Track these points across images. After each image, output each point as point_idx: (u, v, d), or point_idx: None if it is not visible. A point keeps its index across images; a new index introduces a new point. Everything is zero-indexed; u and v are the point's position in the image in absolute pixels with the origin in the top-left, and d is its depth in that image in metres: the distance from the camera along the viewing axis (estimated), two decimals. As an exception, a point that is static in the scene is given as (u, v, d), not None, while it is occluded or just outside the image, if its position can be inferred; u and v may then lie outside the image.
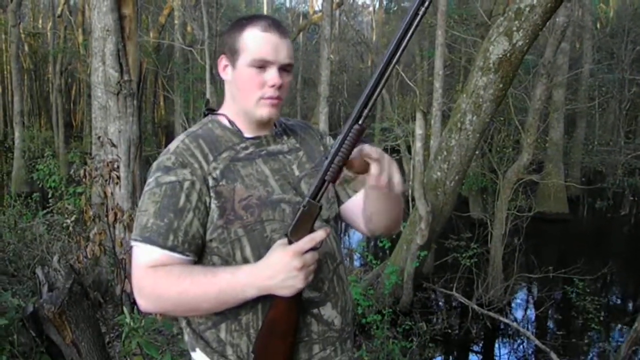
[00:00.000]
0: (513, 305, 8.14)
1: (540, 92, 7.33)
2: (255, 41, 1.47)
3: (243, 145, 1.51)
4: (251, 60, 1.46)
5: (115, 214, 4.24)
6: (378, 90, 1.31)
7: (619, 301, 9.22)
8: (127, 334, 3.47)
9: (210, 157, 1.45)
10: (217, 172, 1.43)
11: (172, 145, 1.47)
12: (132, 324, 3.42)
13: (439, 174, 6.57)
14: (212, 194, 1.41)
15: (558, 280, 8.40)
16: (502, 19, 5.97)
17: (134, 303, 5.39)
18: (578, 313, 7.66)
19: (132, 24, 6.01)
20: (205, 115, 1.62)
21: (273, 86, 1.47)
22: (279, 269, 1.34)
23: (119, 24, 5.82)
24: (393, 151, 13.25)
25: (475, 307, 7.08)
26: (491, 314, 6.98)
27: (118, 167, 4.48)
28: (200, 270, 1.38)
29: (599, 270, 8.43)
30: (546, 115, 13.05)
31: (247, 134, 1.54)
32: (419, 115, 6.25)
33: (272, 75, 1.47)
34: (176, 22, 18.31)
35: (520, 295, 8.66)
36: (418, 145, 6.34)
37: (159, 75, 20.55)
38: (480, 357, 7.18)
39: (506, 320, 7.02)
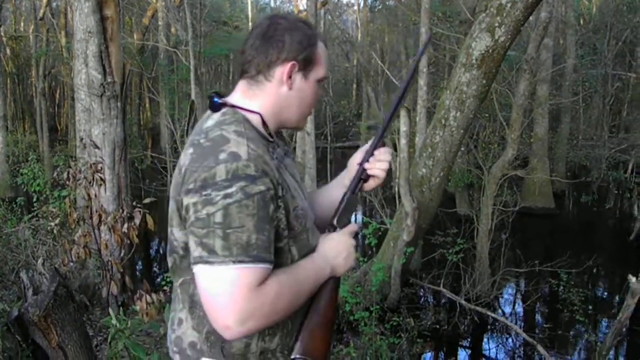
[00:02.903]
0: (500, 299, 8.18)
1: (523, 88, 7.38)
2: (324, 57, 1.49)
3: (272, 149, 1.44)
4: (322, 76, 1.49)
5: (100, 216, 4.23)
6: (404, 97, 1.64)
7: (604, 293, 9.31)
8: (114, 335, 3.46)
9: (272, 165, 1.38)
10: (280, 180, 1.37)
11: (240, 150, 1.31)
12: (118, 325, 3.42)
13: (424, 170, 6.60)
14: (280, 204, 1.36)
15: (544, 274, 8.46)
16: (484, 15, 6.00)
17: (121, 305, 5.38)
18: (564, 306, 7.72)
19: (114, 26, 5.99)
20: (216, 105, 1.46)
21: (318, 100, 1.54)
22: (341, 248, 1.52)
23: (101, 25, 5.80)
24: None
25: (463, 302, 7.12)
26: (479, 308, 7.01)
27: (102, 169, 4.46)
28: (295, 270, 1.40)
29: (585, 264, 8.50)
30: (531, 110, 13.13)
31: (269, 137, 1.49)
32: (402, 113, 6.28)
33: (322, 92, 1.52)
34: (160, 23, 18.25)
35: (508, 290, 8.70)
36: (403, 142, 6.37)
37: (143, 77, 20.46)
38: (469, 351, 7.22)
39: (494, 315, 7.07)
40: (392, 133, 8.99)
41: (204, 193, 1.26)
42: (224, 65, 27.16)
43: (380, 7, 22.84)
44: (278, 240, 1.36)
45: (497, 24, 5.81)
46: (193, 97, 11.33)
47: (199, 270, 1.28)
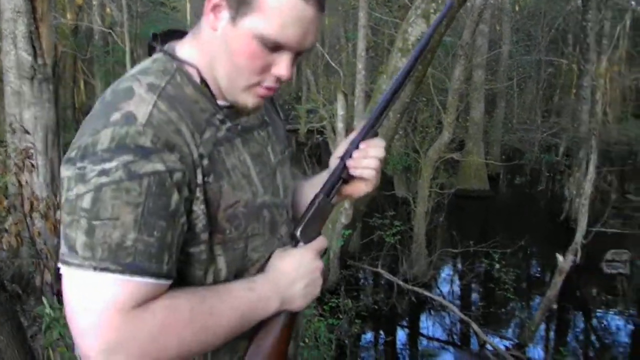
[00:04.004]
0: (437, 279, 8.41)
1: (458, 73, 7.55)
2: (284, 11, 0.96)
3: (220, 117, 1.04)
4: (264, 36, 0.97)
5: (32, 204, 4.13)
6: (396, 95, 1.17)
7: (535, 272, 9.69)
8: (48, 325, 3.40)
9: (197, 137, 0.98)
10: (205, 162, 0.98)
11: (139, 110, 0.93)
12: (52, 314, 3.36)
13: (362, 154, 6.69)
14: (198, 194, 0.97)
15: (479, 254, 8.73)
16: (420, 1, 6.09)
17: (55, 293, 5.28)
18: (498, 285, 8.00)
19: (44, 5, 5.79)
20: (151, 50, 1.09)
21: (279, 78, 1.03)
22: (302, 273, 1.09)
23: (30, 4, 5.60)
24: (318, 132, 13.38)
25: (401, 282, 7.28)
26: (416, 288, 7.19)
27: (33, 154, 4.35)
28: (210, 294, 0.99)
29: (517, 244, 8.82)
30: (467, 95, 13.45)
31: (219, 99, 1.06)
32: (340, 96, 6.34)
33: (284, 63, 1.02)
34: (94, 2, 17.70)
35: (444, 270, 8.95)
36: (340, 126, 6.44)
37: (77, 58, 19.85)
38: (407, 330, 7.40)
39: (430, 295, 7.26)
40: (331, 117, 9.06)
41: (79, 165, 0.90)
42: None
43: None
44: (190, 244, 0.98)
45: (432, 11, 5.91)
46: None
47: (62, 271, 0.92)
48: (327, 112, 9.93)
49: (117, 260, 0.88)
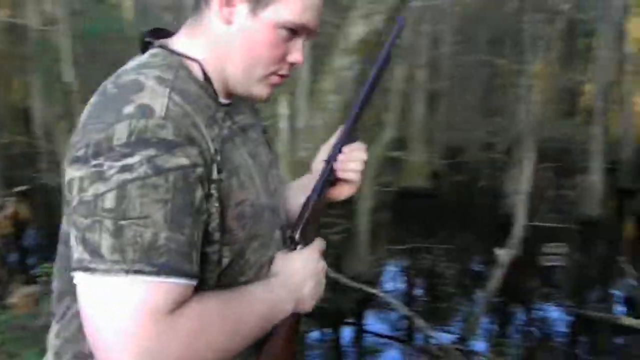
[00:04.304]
0: (382, 276, 8.53)
1: (400, 73, 7.67)
2: None
3: (221, 115, 1.01)
4: (289, 21, 0.98)
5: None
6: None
7: (477, 267, 9.93)
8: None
9: (211, 132, 0.95)
10: (219, 157, 0.94)
11: (155, 103, 0.88)
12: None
13: (304, 153, 6.71)
14: (212, 191, 0.92)
15: (423, 251, 8.91)
16: (360, 2, 6.17)
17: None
18: (441, 280, 8.18)
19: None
20: (145, 46, 1.03)
21: (293, 64, 1.04)
22: (310, 273, 1.10)
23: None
24: (263, 132, 13.35)
25: (345, 279, 7.35)
26: (360, 285, 7.27)
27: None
28: (234, 295, 0.96)
29: (459, 240, 9.03)
30: (409, 94, 13.67)
31: (220, 96, 1.04)
32: (282, 96, 6.36)
33: (298, 48, 1.03)
34: (30, -1, 17.20)
35: (389, 267, 9.08)
36: (283, 125, 6.46)
37: (12, 56, 19.24)
38: (353, 327, 7.48)
39: (374, 291, 7.34)
40: (274, 116, 9.05)
41: (93, 163, 0.84)
42: (103, 46, 26.06)
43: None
44: (205, 244, 0.93)
45: (373, 11, 5.99)
46: (67, 79, 10.81)
47: (79, 280, 0.85)
48: (270, 112, 9.93)
49: (151, 261, 0.82)
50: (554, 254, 9.38)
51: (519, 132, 11.89)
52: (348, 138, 1.21)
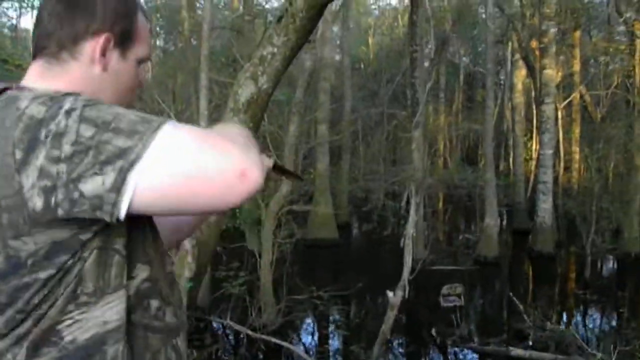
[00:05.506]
0: (286, 325, 8.69)
1: (293, 128, 8.08)
2: (145, 33, 1.17)
3: None
4: (144, 56, 1.17)
5: None
6: None
7: (376, 309, 10.29)
8: None
9: None
10: None
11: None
12: None
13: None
14: None
15: (327, 298, 9.18)
16: (249, 65, 6.53)
17: None
18: (339, 325, 8.48)
19: None
20: None
21: (140, 84, 1.20)
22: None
23: None
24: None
25: (249, 332, 7.50)
26: (264, 336, 7.44)
27: None
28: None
29: (365, 285, 9.39)
30: (311, 148, 14.16)
31: None
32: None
33: (147, 70, 1.21)
34: None
35: (293, 316, 9.27)
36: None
37: None
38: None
39: (277, 341, 7.51)
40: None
41: (41, 140, 0.89)
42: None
43: (172, 48, 22.93)
44: None
45: (259, 73, 6.36)
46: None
47: (139, 171, 0.88)
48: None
49: (154, 120, 0.93)
50: (452, 295, 9.85)
51: (416, 181, 12.54)
52: None
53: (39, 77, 1.08)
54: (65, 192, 0.88)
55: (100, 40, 1.08)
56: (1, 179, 0.90)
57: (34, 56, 1.11)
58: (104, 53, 1.09)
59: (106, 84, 1.11)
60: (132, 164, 0.87)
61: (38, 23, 1.11)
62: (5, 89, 1.01)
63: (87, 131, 0.88)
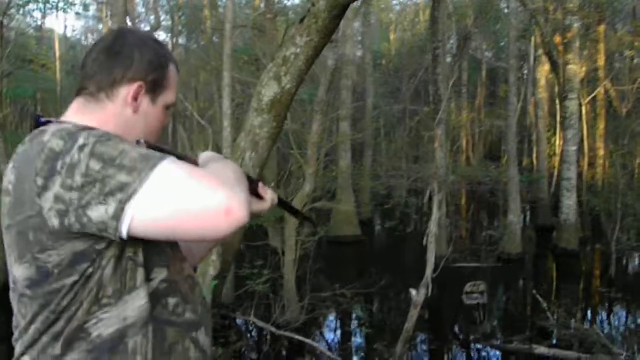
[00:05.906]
0: (309, 323, 8.74)
1: (316, 127, 8.12)
2: (174, 83, 1.35)
3: None
4: (170, 103, 1.34)
5: None
6: None
7: (402, 306, 10.30)
8: None
9: None
10: None
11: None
12: None
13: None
14: None
15: (351, 296, 9.22)
16: (272, 65, 6.58)
17: None
18: (362, 323, 8.50)
19: None
20: (41, 125, 1.21)
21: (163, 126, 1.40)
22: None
23: None
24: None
25: (273, 329, 7.57)
26: (287, 333, 7.50)
27: None
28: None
29: (388, 283, 9.40)
30: (334, 146, 14.18)
31: None
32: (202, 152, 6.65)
33: (169, 115, 1.39)
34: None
35: (317, 313, 9.33)
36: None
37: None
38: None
39: (301, 338, 7.57)
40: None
41: (57, 170, 1.07)
42: (31, 106, 25.85)
43: (195, 46, 23.06)
44: None
45: (283, 73, 6.41)
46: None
47: (135, 204, 1.04)
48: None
49: (155, 157, 1.09)
50: (475, 292, 9.83)
51: (440, 178, 12.51)
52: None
53: (77, 113, 1.26)
54: (76, 216, 1.05)
55: (135, 86, 1.26)
56: (28, 202, 1.09)
57: (77, 94, 1.29)
58: (136, 98, 1.27)
59: (136, 124, 1.28)
60: (129, 198, 1.03)
61: (83, 67, 1.29)
62: (48, 122, 1.21)
63: (96, 165, 1.05)
